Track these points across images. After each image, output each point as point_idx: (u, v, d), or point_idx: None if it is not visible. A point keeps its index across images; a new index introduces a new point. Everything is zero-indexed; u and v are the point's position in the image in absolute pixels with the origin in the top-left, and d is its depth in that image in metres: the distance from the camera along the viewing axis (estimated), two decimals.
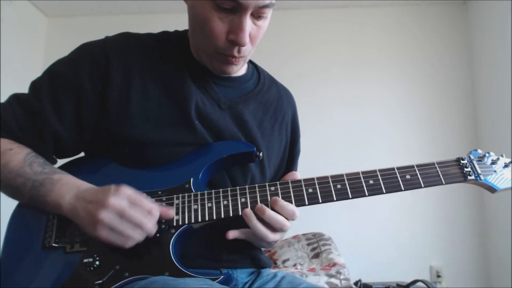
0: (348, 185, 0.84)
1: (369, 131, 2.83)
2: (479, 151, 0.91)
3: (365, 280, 2.26)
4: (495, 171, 0.88)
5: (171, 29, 1.00)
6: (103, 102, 0.86)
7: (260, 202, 0.82)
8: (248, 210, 0.81)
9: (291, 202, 0.83)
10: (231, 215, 0.81)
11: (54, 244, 0.80)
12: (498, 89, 2.52)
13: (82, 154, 0.94)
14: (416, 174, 0.85)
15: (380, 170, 0.85)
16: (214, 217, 0.81)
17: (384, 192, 0.84)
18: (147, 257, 0.78)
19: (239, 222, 0.82)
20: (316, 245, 2.10)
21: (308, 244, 2.13)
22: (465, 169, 0.87)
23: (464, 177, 0.87)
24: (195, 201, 0.82)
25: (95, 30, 1.36)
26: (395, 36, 2.95)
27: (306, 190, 0.84)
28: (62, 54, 0.92)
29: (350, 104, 2.86)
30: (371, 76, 2.90)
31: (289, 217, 0.82)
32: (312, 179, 0.85)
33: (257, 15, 0.83)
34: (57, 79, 0.87)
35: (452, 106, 2.83)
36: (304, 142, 1.12)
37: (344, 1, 2.98)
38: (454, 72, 2.87)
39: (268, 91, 1.03)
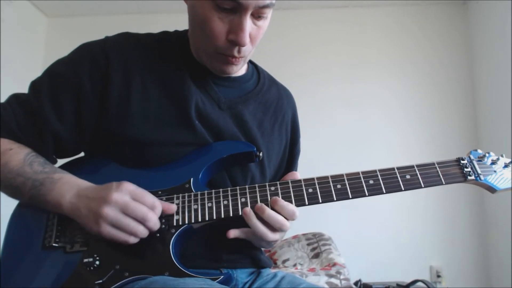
0: (348, 185, 0.84)
1: (369, 131, 2.83)
2: (479, 151, 0.91)
3: (365, 280, 2.26)
4: (495, 171, 0.88)
5: (171, 29, 1.00)
6: (103, 102, 0.86)
7: (260, 202, 0.82)
8: (248, 209, 0.81)
9: (291, 202, 0.83)
10: (231, 215, 0.81)
11: (54, 244, 0.80)
12: (498, 89, 2.52)
13: (82, 154, 0.94)
14: (416, 174, 0.85)
15: (380, 170, 0.85)
16: (214, 217, 0.81)
17: (384, 192, 0.84)
18: (147, 257, 0.78)
19: (239, 222, 0.82)
20: (316, 245, 2.10)
21: (308, 244, 2.13)
22: (465, 169, 0.87)
23: (464, 177, 0.86)
24: (195, 201, 0.82)
25: (95, 30, 1.36)
26: (395, 36, 2.95)
27: (306, 190, 0.84)
28: (62, 54, 0.92)
29: (350, 104, 2.86)
30: (371, 76, 2.90)
31: (289, 217, 0.82)
32: (312, 179, 0.85)
33: (257, 15, 0.83)
34: (57, 79, 0.87)
35: (452, 106, 2.83)
36: (304, 142, 1.13)
37: (344, 1, 2.98)
38: (454, 72, 2.87)
39: (268, 91, 1.03)
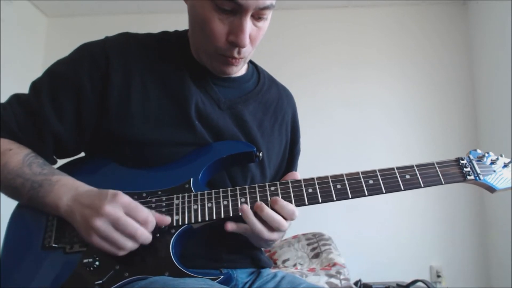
0: (348, 185, 0.84)
1: (369, 131, 2.83)
2: (479, 151, 0.91)
3: (365, 280, 2.26)
4: (494, 171, 0.88)
5: (171, 29, 1.00)
6: (103, 102, 0.86)
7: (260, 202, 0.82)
8: (246, 206, 0.81)
9: (291, 202, 0.82)
10: (231, 215, 0.81)
11: (54, 245, 0.80)
12: (498, 89, 2.52)
13: (82, 154, 0.94)
14: (416, 174, 0.85)
15: (380, 170, 0.85)
16: (214, 217, 0.81)
17: (384, 192, 0.84)
18: (147, 257, 0.78)
19: (239, 222, 0.82)
20: (316, 245, 2.10)
21: (308, 244, 2.13)
22: (465, 169, 0.87)
23: (463, 177, 0.87)
24: (195, 201, 0.82)
25: (95, 30, 1.36)
26: (395, 36, 2.95)
27: (306, 190, 0.84)
28: (62, 54, 0.92)
29: (350, 104, 2.86)
30: (371, 76, 2.90)
31: (289, 217, 0.82)
32: (312, 179, 0.85)
33: (257, 16, 0.83)
34: (57, 79, 0.87)
35: (452, 106, 2.83)
36: (304, 142, 1.12)
37: (344, 1, 2.98)
38: (454, 72, 2.87)
39: (268, 91, 1.03)
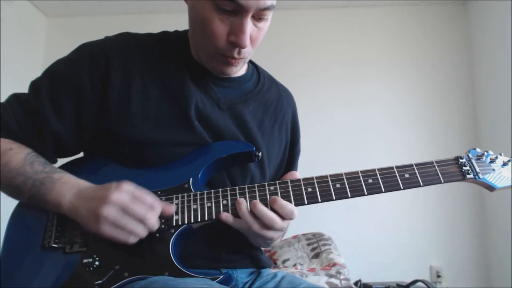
0: (347, 184, 0.84)
1: (369, 131, 2.83)
2: (478, 149, 0.91)
3: (365, 280, 2.26)
4: (493, 170, 0.88)
5: (171, 29, 1.00)
6: (103, 102, 0.86)
7: (259, 201, 0.82)
8: (241, 199, 0.81)
9: (290, 201, 0.82)
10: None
11: (53, 245, 0.80)
12: (498, 89, 2.52)
13: (82, 154, 0.94)
14: (415, 173, 0.85)
15: (379, 169, 0.85)
16: (214, 217, 0.81)
17: (383, 191, 0.84)
18: (147, 257, 0.78)
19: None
20: (316, 245, 2.10)
21: (308, 244, 2.13)
22: (464, 168, 0.87)
23: (462, 176, 0.86)
24: (195, 201, 0.82)
25: (95, 30, 1.36)
26: (395, 36, 2.95)
27: (305, 189, 0.84)
28: (62, 54, 0.92)
29: (350, 104, 2.86)
30: (371, 76, 2.90)
31: (288, 216, 0.81)
32: (311, 178, 0.85)
33: (258, 17, 0.83)
34: (57, 79, 0.87)
35: (452, 106, 2.83)
36: (304, 142, 1.13)
37: (344, 1, 2.98)
38: (454, 72, 2.87)
39: (268, 91, 1.03)
